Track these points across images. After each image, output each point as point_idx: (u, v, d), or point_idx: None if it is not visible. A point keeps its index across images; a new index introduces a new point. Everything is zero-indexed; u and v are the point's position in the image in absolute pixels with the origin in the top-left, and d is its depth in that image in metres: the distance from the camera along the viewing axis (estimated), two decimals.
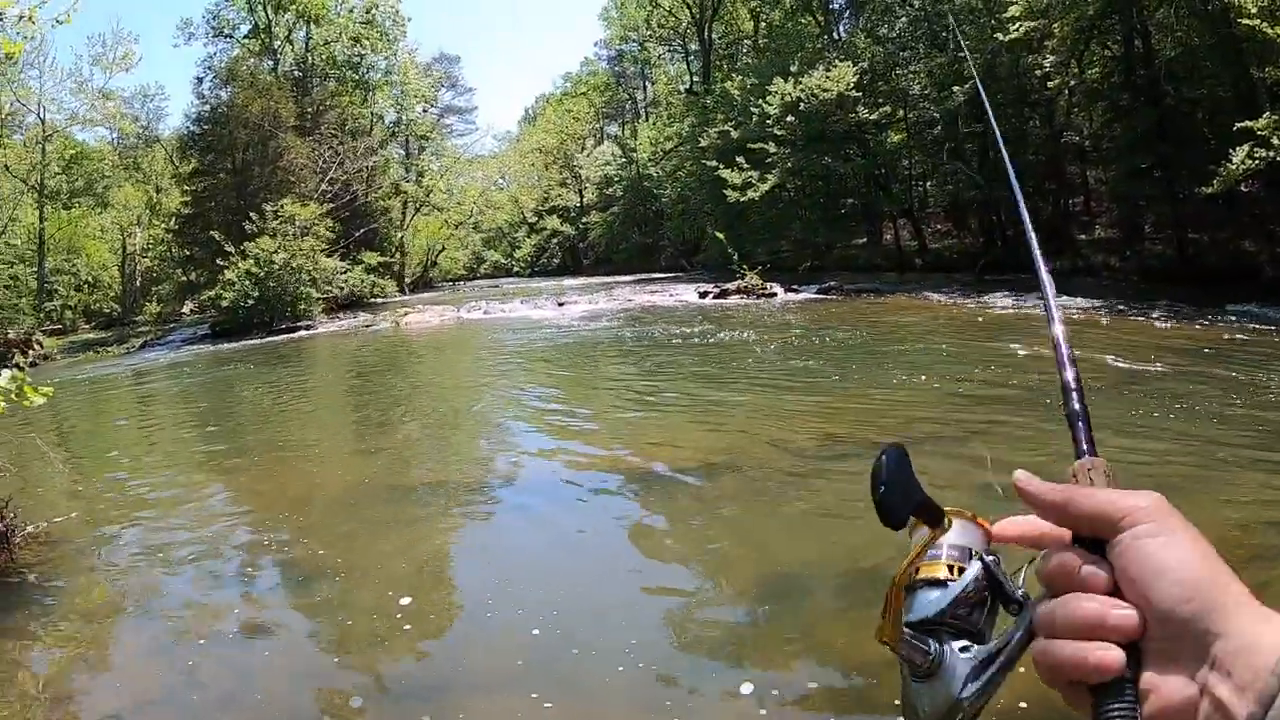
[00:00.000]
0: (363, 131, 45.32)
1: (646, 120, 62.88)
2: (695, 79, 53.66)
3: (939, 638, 0.71)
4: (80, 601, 5.68)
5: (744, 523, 6.35)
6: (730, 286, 27.11)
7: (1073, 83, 24.54)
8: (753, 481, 7.11)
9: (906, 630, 0.71)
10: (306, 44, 45.32)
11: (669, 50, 60.21)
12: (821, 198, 37.05)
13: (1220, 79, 21.78)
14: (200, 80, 40.84)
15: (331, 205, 35.57)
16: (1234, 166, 15.90)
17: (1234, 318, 15.35)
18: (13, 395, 5.76)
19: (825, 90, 30.68)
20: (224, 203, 35.46)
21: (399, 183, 49.22)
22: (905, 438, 7.87)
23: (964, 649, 0.71)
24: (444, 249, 56.65)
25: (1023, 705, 3.38)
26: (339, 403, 14.83)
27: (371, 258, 38.21)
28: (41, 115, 39.70)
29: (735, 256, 29.07)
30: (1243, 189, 19.99)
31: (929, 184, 36.93)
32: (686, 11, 52.58)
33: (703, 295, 27.26)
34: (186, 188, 38.41)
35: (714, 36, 51.06)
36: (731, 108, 37.11)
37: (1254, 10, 16.10)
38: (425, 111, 54.61)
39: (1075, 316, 16.55)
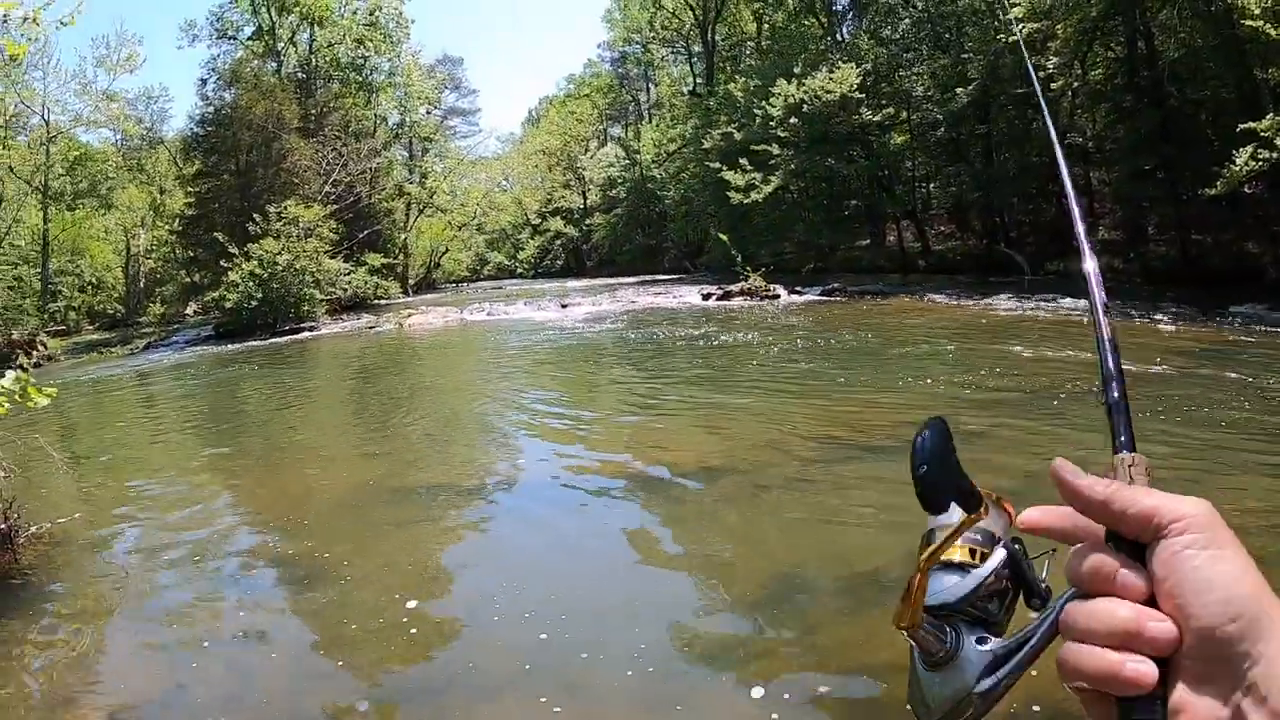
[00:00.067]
0: (366, 133, 45.38)
1: (650, 122, 62.86)
2: (698, 81, 53.63)
3: (955, 626, 0.68)
4: (83, 602, 5.68)
5: (749, 525, 6.35)
6: (734, 288, 27.09)
7: (1076, 84, 24.51)
8: (757, 484, 7.10)
9: (926, 616, 0.68)
10: (310, 46, 45.36)
11: (672, 52, 60.18)
12: (825, 199, 37.04)
13: (1224, 80, 21.75)
14: (204, 82, 40.99)
15: (335, 207, 35.64)
16: (1237, 168, 15.87)
17: (1237, 319, 15.33)
18: (17, 396, 5.78)
19: (828, 92, 30.64)
20: (228, 204, 35.50)
21: (402, 184, 49.22)
22: (907, 441, 7.87)
23: (980, 640, 0.67)
24: (447, 250, 56.67)
25: (1035, 709, 3.36)
26: (342, 404, 14.84)
27: (375, 259, 38.23)
28: (46, 117, 39.85)
29: (739, 258, 29.04)
30: (1246, 190, 19.93)
31: (932, 185, 36.90)
32: (690, 13, 52.57)
33: (706, 297, 27.23)
34: (190, 189, 38.49)
35: (717, 38, 51.06)
36: (735, 109, 37.10)
37: (1257, 11, 16.07)
38: (429, 113, 54.67)
39: (1078, 318, 16.53)
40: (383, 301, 38.28)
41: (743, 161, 33.34)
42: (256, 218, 30.70)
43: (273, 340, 26.99)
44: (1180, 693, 0.58)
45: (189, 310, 40.88)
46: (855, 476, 7.00)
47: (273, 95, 36.98)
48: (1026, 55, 1.12)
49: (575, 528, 6.60)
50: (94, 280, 43.73)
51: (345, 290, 34.49)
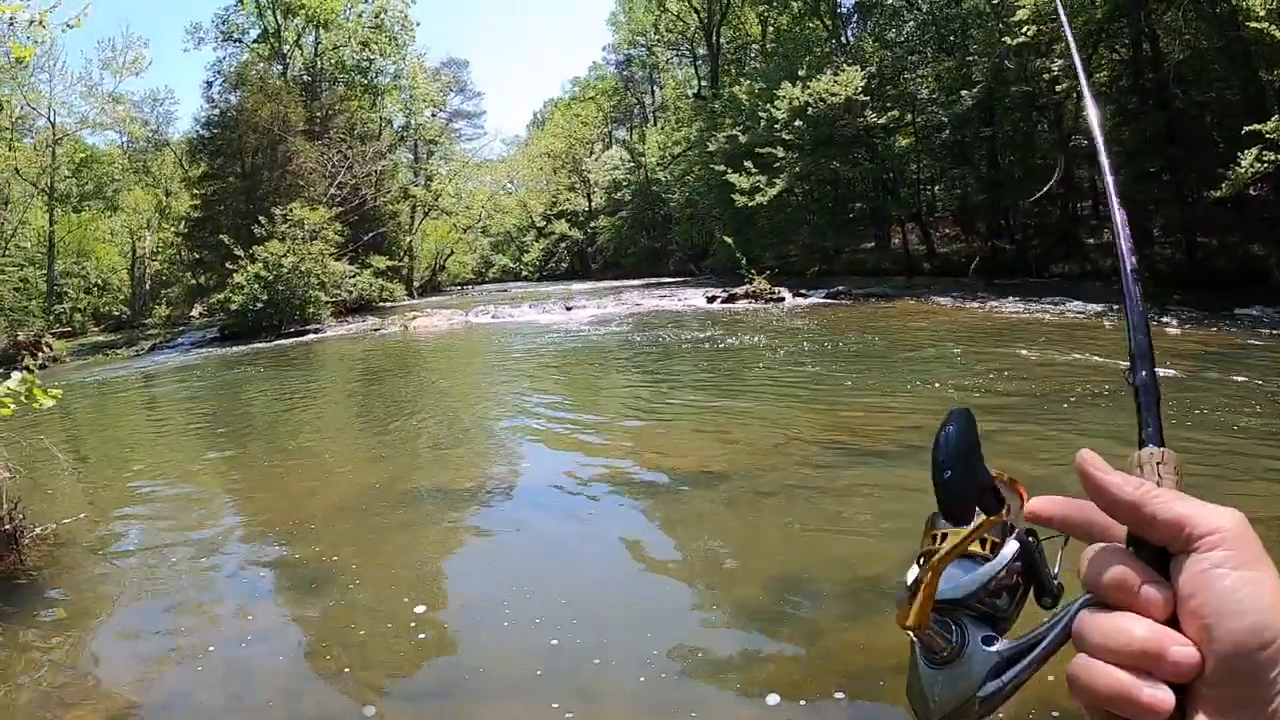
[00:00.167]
0: (371, 136, 45.42)
1: (654, 125, 62.94)
2: (703, 83, 53.66)
3: (960, 621, 0.64)
4: (87, 603, 5.69)
5: (755, 531, 6.33)
6: (738, 291, 27.10)
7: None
8: (763, 489, 7.08)
9: (932, 614, 0.64)
10: (315, 49, 45.45)
11: (677, 55, 60.21)
12: (829, 202, 37.03)
13: (1229, 82, 21.75)
14: (210, 84, 41.14)
15: (340, 209, 35.73)
16: (1243, 170, 15.85)
17: (1244, 322, 15.30)
18: (22, 397, 5.79)
19: (833, 94, 30.65)
20: (233, 206, 35.58)
21: (407, 187, 49.27)
22: (912, 445, 7.86)
23: (987, 639, 0.63)
24: (452, 253, 56.68)
25: (1055, 715, 3.33)
26: (347, 407, 14.85)
27: (380, 261, 38.26)
28: (52, 119, 39.98)
29: (743, 261, 29.05)
30: (1251, 192, 19.93)
31: (937, 188, 36.88)
32: (694, 16, 52.59)
33: (711, 300, 27.23)
34: (196, 191, 38.62)
35: (722, 41, 51.09)
36: (739, 112, 37.15)
37: (1262, 13, 16.06)
38: (434, 116, 54.73)
39: (1083, 320, 16.51)
40: (388, 304, 38.29)
41: (747, 164, 33.38)
42: (262, 220, 30.77)
43: (278, 342, 27.04)
44: None
45: (194, 312, 40.94)
46: (862, 482, 6.99)
47: (278, 98, 37.05)
48: (1074, 46, 0.99)
49: (582, 533, 6.58)
50: (99, 282, 43.84)
51: (350, 292, 34.55)
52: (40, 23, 6.73)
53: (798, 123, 31.75)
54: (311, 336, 28.10)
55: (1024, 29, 21.85)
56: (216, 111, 38.90)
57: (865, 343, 15.74)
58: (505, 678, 4.29)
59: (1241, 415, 8.27)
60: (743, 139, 35.05)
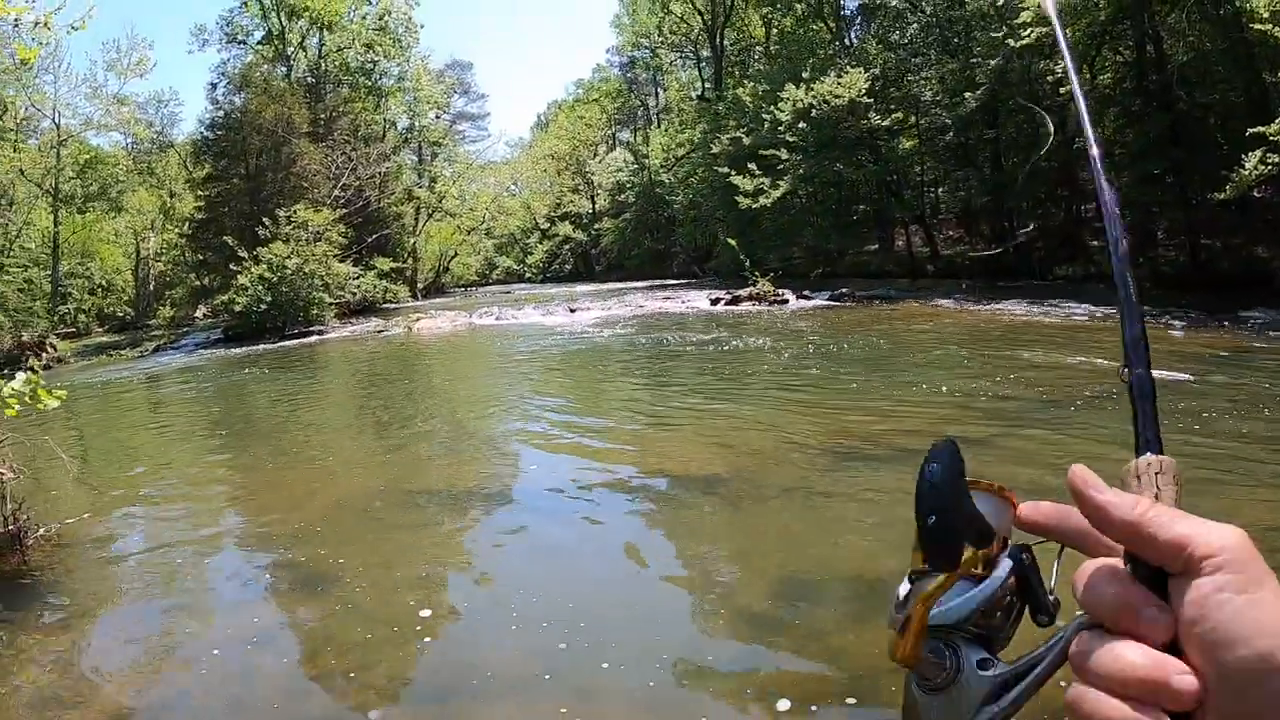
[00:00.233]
0: (375, 137, 45.51)
1: (658, 127, 63.04)
2: (707, 85, 53.74)
3: (954, 645, 0.62)
4: (90, 604, 5.69)
5: (760, 535, 6.32)
6: (742, 293, 27.10)
7: (1084, 88, 24.42)
8: (770, 493, 7.07)
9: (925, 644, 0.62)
10: (320, 50, 45.55)
11: (681, 57, 60.27)
12: (833, 204, 37.04)
13: (1232, 84, 21.73)
14: (214, 86, 41.22)
15: (344, 211, 35.76)
16: (1246, 172, 15.84)
17: (1249, 324, 15.27)
18: (26, 398, 5.79)
19: (837, 96, 30.66)
20: (237, 208, 35.67)
21: (411, 189, 49.32)
22: (915, 449, 7.85)
23: (982, 663, 0.62)
24: (456, 255, 56.73)
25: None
26: (351, 408, 14.86)
27: (384, 263, 38.31)
28: (56, 120, 40.02)
29: (747, 263, 29.07)
30: (1255, 194, 19.89)
31: (941, 190, 36.86)
32: (698, 18, 52.65)
33: (714, 302, 27.24)
34: (200, 193, 38.68)
35: (726, 43, 51.13)
36: (743, 114, 37.17)
37: (1266, 15, 16.05)
38: (438, 118, 54.78)
39: (1087, 324, 16.50)
40: (391, 305, 38.31)
41: (751, 166, 33.41)
42: (266, 221, 30.82)
43: (282, 344, 27.05)
44: None
45: (198, 313, 40.99)
46: (868, 486, 6.97)
47: (282, 100, 37.13)
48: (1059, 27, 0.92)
49: (587, 536, 6.56)
50: (104, 283, 43.89)
51: (354, 294, 34.58)
52: (45, 24, 6.74)
53: (801, 125, 31.77)
54: (315, 338, 28.12)
55: (1027, 31, 21.84)
56: (221, 113, 39.01)
57: (869, 345, 15.72)
58: (511, 681, 4.27)
59: (1247, 420, 8.23)
60: (746, 141, 35.07)
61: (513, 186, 63.73)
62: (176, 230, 43.67)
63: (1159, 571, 0.56)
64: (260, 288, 29.06)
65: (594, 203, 64.77)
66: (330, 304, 31.28)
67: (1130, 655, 0.54)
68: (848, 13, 40.61)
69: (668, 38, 57.24)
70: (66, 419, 13.98)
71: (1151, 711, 0.53)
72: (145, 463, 10.85)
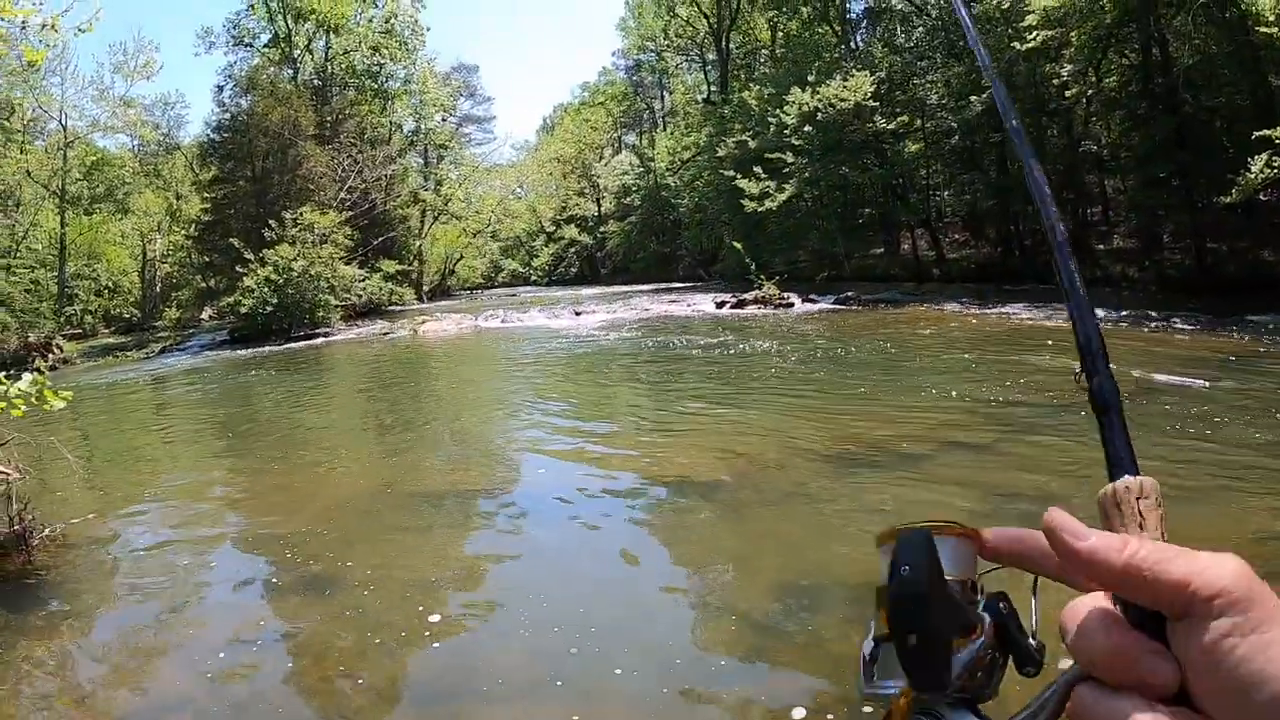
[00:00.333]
0: (381, 140, 45.61)
1: (664, 130, 63.10)
2: (713, 89, 53.79)
3: (939, 715, 0.57)
4: (94, 604, 5.70)
5: (769, 538, 6.30)
6: (748, 296, 27.09)
7: (1090, 91, 24.43)
8: (775, 497, 7.06)
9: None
10: (326, 53, 45.65)
11: (686, 60, 60.38)
12: (839, 208, 36.95)
13: (1239, 87, 21.65)
14: (220, 88, 41.45)
15: (350, 213, 35.83)
16: (1253, 175, 15.77)
17: (1255, 328, 15.21)
18: (33, 399, 5.81)
19: (842, 100, 30.62)
20: (243, 210, 35.75)
21: (417, 191, 49.44)
22: (920, 456, 7.83)
23: None
24: (462, 257, 56.83)
25: None
26: (357, 411, 14.87)
27: (390, 266, 38.37)
28: (63, 122, 40.19)
29: (753, 266, 29.06)
30: (1262, 198, 19.82)
31: (947, 194, 36.77)
32: (704, 21, 52.72)
33: (720, 305, 27.25)
34: (206, 195, 38.83)
35: (731, 46, 51.14)
36: (749, 117, 37.15)
37: (1272, 18, 16.01)
38: (444, 120, 54.90)
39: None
40: (397, 308, 38.40)
41: (757, 169, 33.36)
42: (272, 224, 30.88)
43: (287, 345, 27.11)
44: None
45: (204, 315, 41.10)
46: (874, 492, 6.96)
47: (289, 102, 37.23)
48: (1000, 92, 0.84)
49: (593, 540, 6.55)
50: (110, 284, 44.01)
51: (360, 296, 34.65)
52: (52, 27, 6.76)
53: (807, 128, 31.73)
54: (321, 340, 28.18)
55: (1033, 34, 21.81)
56: (227, 115, 39.18)
57: (875, 349, 15.68)
58: (521, 685, 4.26)
59: (1258, 425, 8.17)
60: (752, 144, 35.04)
61: (518, 189, 63.88)
62: (183, 232, 43.83)
63: (1155, 613, 0.51)
64: (266, 290, 29.13)
65: (600, 206, 64.86)
66: (336, 306, 31.34)
67: (1133, 712, 0.49)
68: (853, 16, 40.63)
69: (673, 41, 57.33)
70: (72, 420, 14.01)
71: None
72: (150, 464, 10.87)
